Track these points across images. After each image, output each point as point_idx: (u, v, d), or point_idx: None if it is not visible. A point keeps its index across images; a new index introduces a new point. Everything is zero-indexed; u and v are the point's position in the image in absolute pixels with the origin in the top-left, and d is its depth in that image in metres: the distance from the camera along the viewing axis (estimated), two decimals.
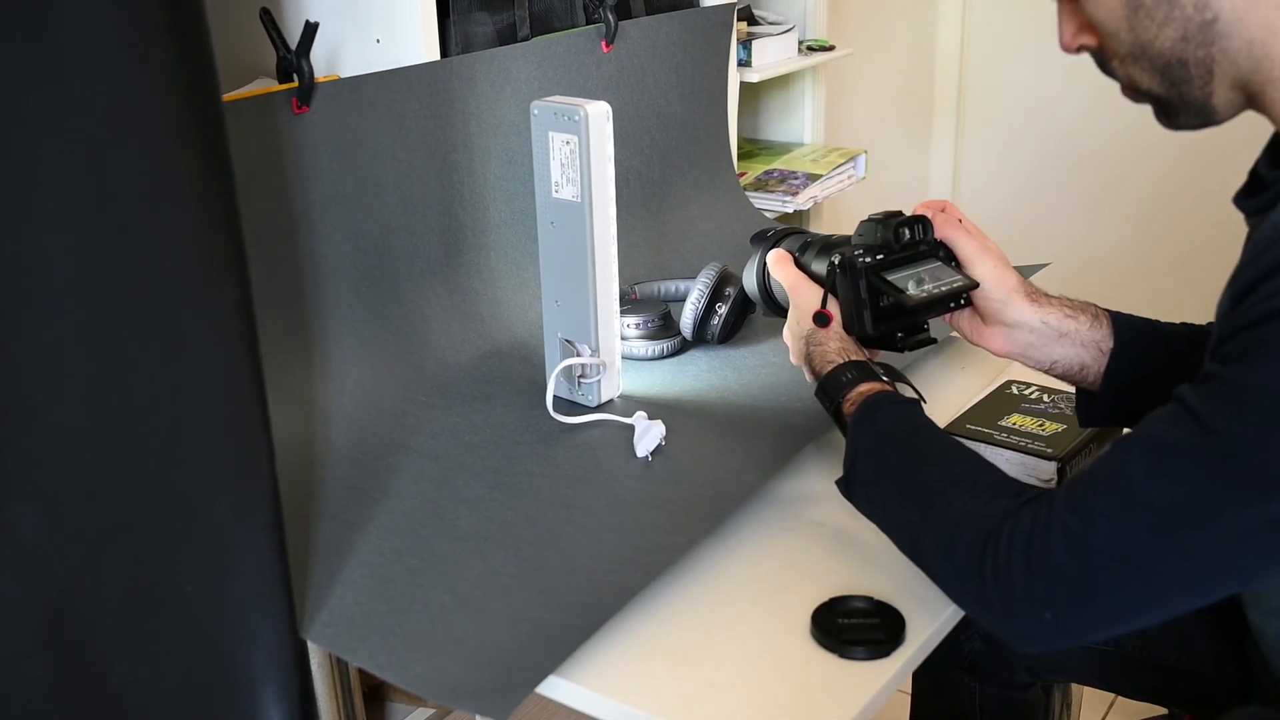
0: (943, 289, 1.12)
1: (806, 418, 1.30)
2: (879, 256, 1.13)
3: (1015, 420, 1.28)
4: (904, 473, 1.00)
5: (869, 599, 1.01)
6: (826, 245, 1.23)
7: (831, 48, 2.40)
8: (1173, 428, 0.82)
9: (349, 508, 1.18)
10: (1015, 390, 1.35)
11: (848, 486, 1.05)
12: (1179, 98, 0.89)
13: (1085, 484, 0.85)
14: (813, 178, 2.26)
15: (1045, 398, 1.32)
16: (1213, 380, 0.81)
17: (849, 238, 1.20)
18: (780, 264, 1.24)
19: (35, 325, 0.79)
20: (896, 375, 1.13)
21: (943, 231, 1.16)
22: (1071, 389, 1.23)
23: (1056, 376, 1.17)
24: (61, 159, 0.78)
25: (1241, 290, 0.80)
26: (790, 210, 2.16)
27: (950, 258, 1.16)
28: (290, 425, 1.25)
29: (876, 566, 1.07)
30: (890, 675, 0.95)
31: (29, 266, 0.78)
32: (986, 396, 1.35)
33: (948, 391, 1.40)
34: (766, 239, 1.35)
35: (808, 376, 1.17)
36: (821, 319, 1.15)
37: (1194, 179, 2.85)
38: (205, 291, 0.89)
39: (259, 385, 0.94)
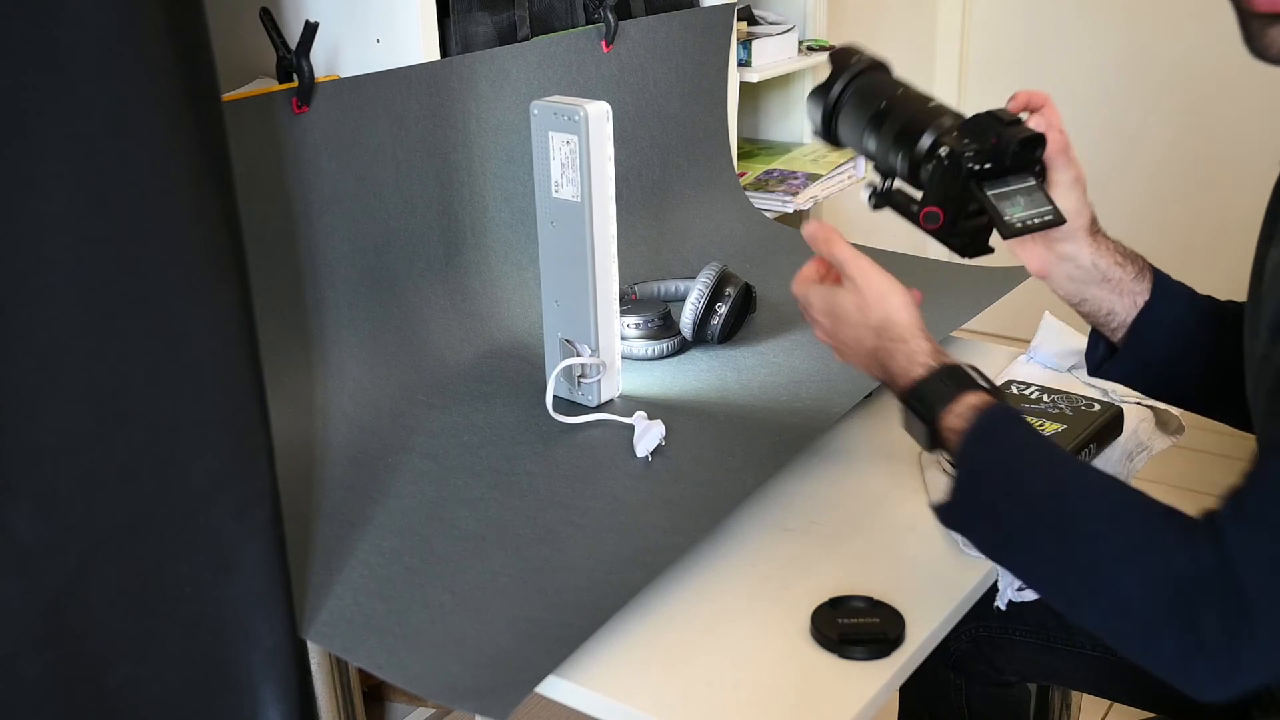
0: (1035, 220, 1.04)
1: (806, 418, 1.30)
2: (988, 164, 1.05)
3: None
4: (1046, 504, 0.86)
5: (868, 599, 1.01)
6: (913, 124, 1.10)
7: (831, 47, 2.40)
8: None
9: (348, 507, 1.18)
10: (1015, 390, 1.35)
11: (956, 515, 0.93)
12: None
13: (1251, 493, 0.77)
14: (813, 178, 2.26)
15: (1045, 398, 1.32)
16: None
17: (948, 115, 1.10)
18: (834, 243, 1.07)
19: (35, 325, 0.79)
20: (988, 380, 0.99)
21: (1048, 151, 1.09)
22: (1070, 389, 1.24)
23: (1080, 313, 1.14)
24: (61, 159, 0.78)
25: None
26: (791, 210, 2.16)
27: (1043, 174, 1.09)
28: (290, 425, 1.25)
29: (876, 567, 1.07)
30: (890, 675, 0.95)
31: (29, 266, 0.78)
32: None
33: None
34: (851, 65, 1.19)
35: (871, 373, 1.05)
36: (932, 217, 1.05)
37: (1195, 177, 2.85)
38: (205, 291, 0.89)
39: (258, 385, 0.94)
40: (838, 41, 2.51)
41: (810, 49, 2.37)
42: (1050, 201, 1.07)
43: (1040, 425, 1.26)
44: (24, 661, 0.84)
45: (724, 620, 1.02)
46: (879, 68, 1.19)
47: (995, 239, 1.12)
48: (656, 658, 0.98)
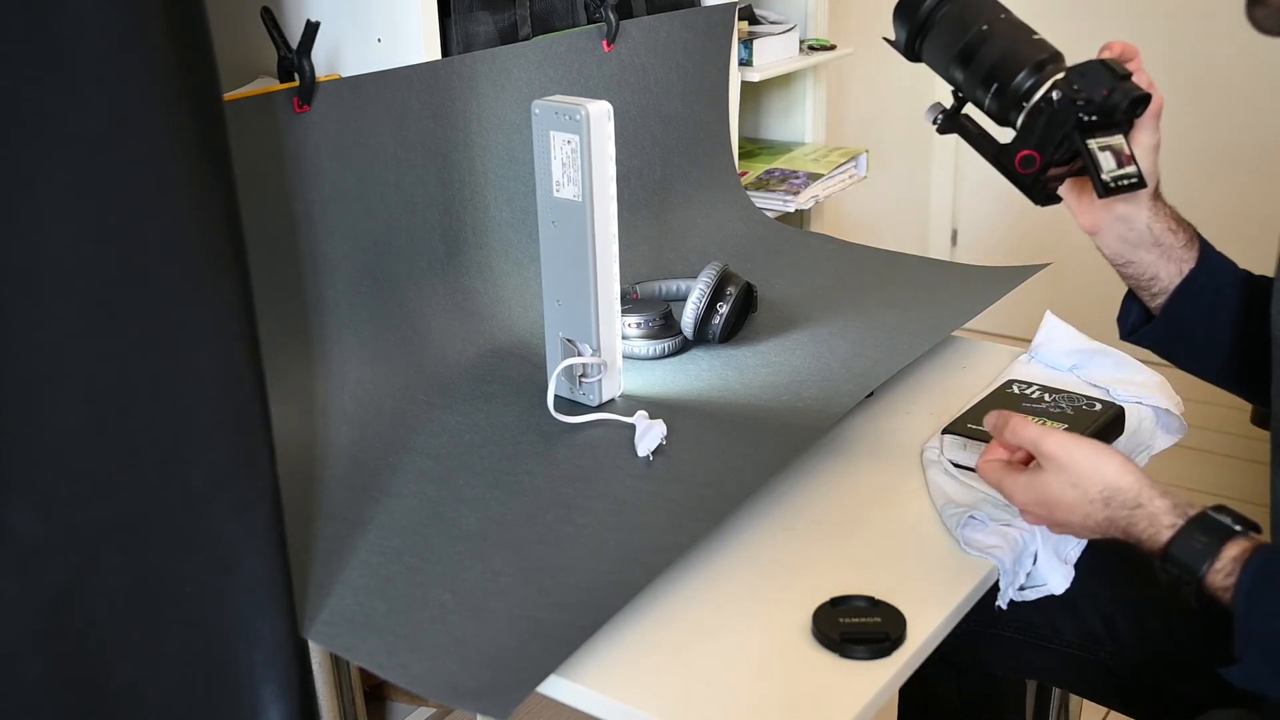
0: (1124, 182, 1.02)
1: (808, 417, 1.30)
2: (1094, 117, 1.02)
3: None
4: None
5: (870, 599, 1.01)
6: (1011, 58, 1.05)
7: (833, 47, 2.40)
8: None
9: (349, 507, 1.18)
10: (1016, 390, 1.35)
11: (1254, 676, 0.89)
12: None
13: None
14: (814, 177, 2.26)
15: (1046, 397, 1.32)
16: None
17: (1048, 55, 1.06)
18: (1019, 427, 1.02)
19: (35, 324, 0.79)
20: (1234, 515, 0.94)
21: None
22: (1072, 389, 1.23)
23: (1124, 274, 1.12)
24: (62, 158, 0.78)
25: None
26: (792, 210, 2.16)
27: (1128, 134, 1.06)
28: (291, 424, 1.25)
29: (877, 566, 1.07)
30: (891, 675, 0.95)
31: (29, 265, 0.78)
32: (987, 396, 1.35)
33: (948, 391, 1.40)
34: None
35: (1112, 537, 0.99)
36: (1029, 160, 1.03)
37: (1196, 176, 2.85)
38: (206, 290, 0.89)
39: (259, 384, 0.94)
40: (839, 41, 2.50)
41: (811, 48, 2.37)
42: (1135, 163, 1.04)
43: (1041, 425, 1.25)
44: (24, 661, 0.84)
45: (725, 620, 1.02)
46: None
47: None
48: (658, 657, 0.98)
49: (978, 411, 1.31)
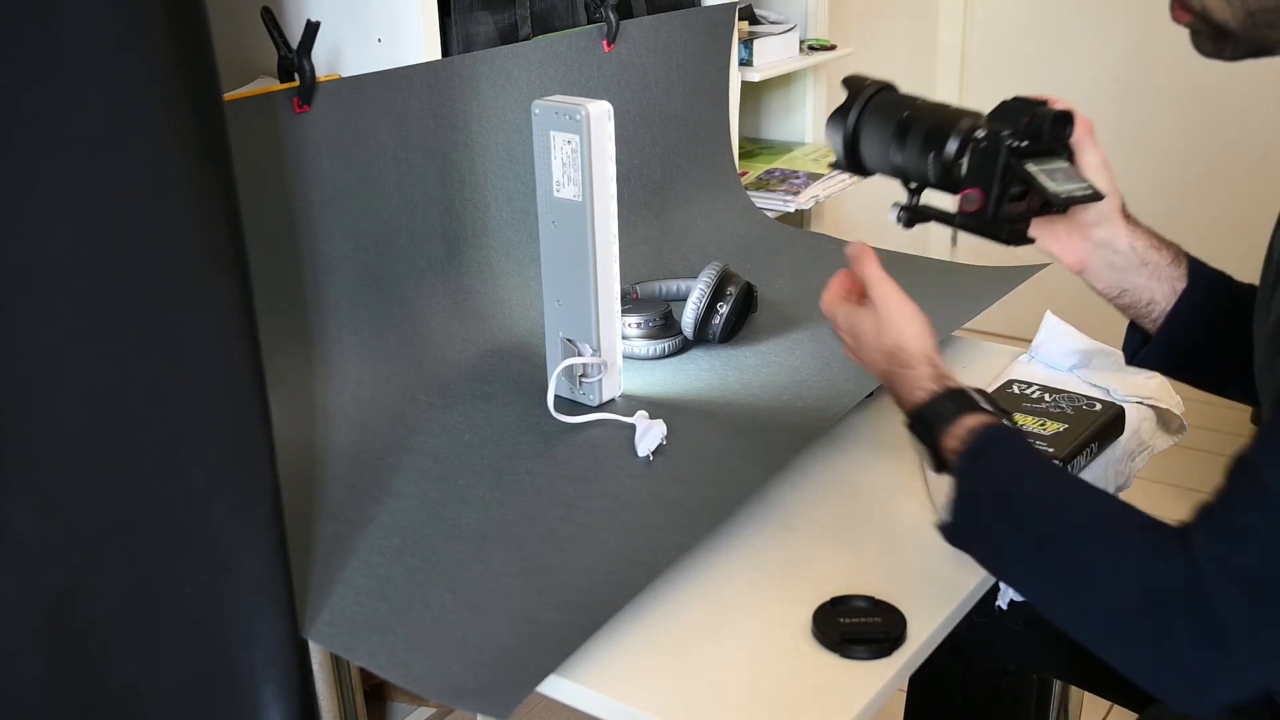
0: (1076, 193, 1.05)
1: (808, 417, 1.30)
2: (1025, 142, 1.05)
3: (1017, 420, 1.27)
4: (1034, 520, 0.89)
5: (870, 599, 1.01)
6: (939, 126, 1.12)
7: (833, 47, 2.40)
8: None
9: (350, 507, 1.18)
10: (1017, 390, 1.35)
11: (957, 533, 0.95)
12: (1254, 36, 0.87)
13: (1221, 508, 0.79)
14: (814, 177, 2.25)
15: (1046, 397, 1.32)
16: None
17: (970, 114, 1.11)
18: (865, 261, 1.10)
19: (35, 324, 0.79)
20: (991, 401, 1.01)
21: (1076, 133, 1.09)
22: (1072, 389, 1.23)
23: (1119, 306, 1.13)
24: (62, 158, 0.78)
25: None
26: (792, 210, 2.16)
27: (1072, 158, 1.09)
28: (291, 424, 1.25)
29: (877, 566, 1.07)
30: (891, 675, 0.95)
31: (29, 265, 0.78)
32: None
33: None
34: (866, 86, 1.20)
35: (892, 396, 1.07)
36: (969, 200, 1.06)
37: (1196, 176, 2.85)
38: (206, 290, 0.89)
39: (259, 384, 0.94)
40: (839, 41, 2.51)
41: (811, 48, 2.37)
42: (1086, 180, 1.07)
43: (1042, 425, 1.26)
44: (24, 661, 0.84)
45: (725, 620, 1.02)
46: (890, 88, 1.20)
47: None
48: (658, 657, 0.98)
49: None
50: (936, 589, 1.03)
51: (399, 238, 1.44)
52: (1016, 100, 1.08)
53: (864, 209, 3.16)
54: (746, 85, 2.13)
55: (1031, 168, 1.05)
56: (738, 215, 1.92)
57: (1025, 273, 1.65)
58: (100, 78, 0.78)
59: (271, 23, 1.27)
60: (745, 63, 2.15)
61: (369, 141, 1.38)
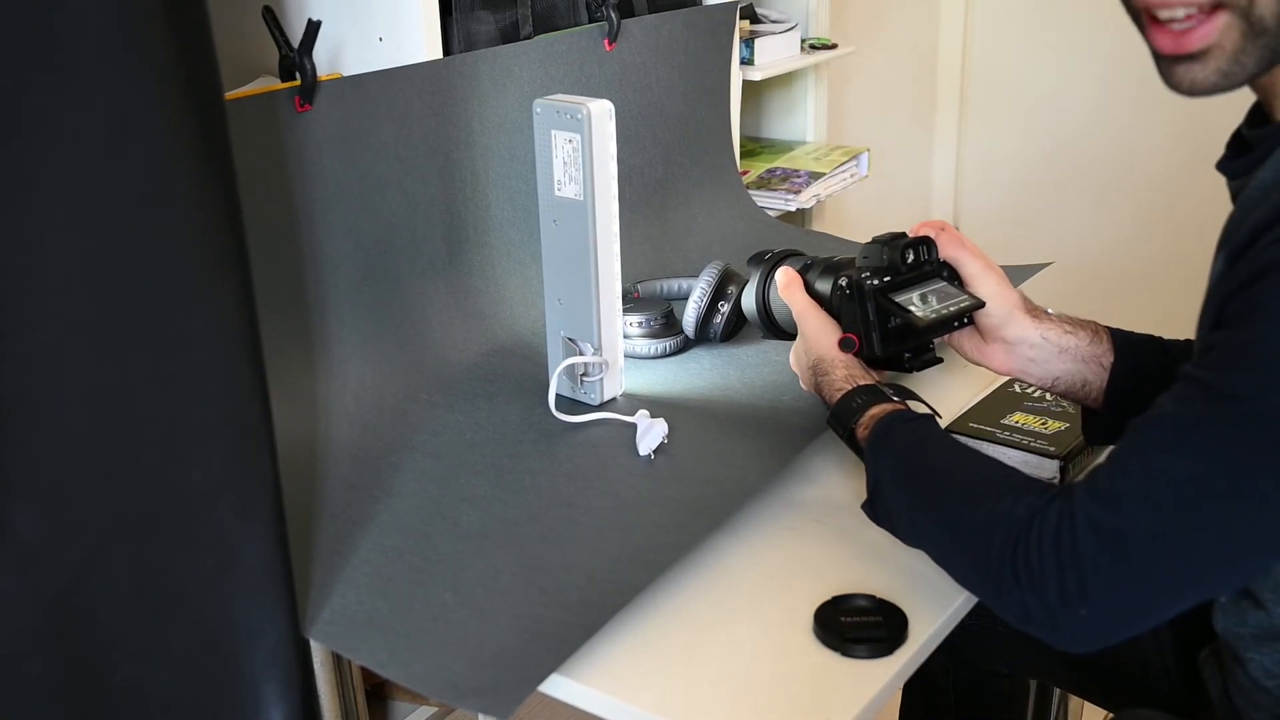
0: (950, 308, 1.12)
1: (809, 417, 1.30)
2: (886, 279, 1.13)
3: (1018, 419, 1.28)
4: (927, 488, 0.98)
5: (871, 597, 1.01)
6: (830, 267, 1.22)
7: (834, 46, 2.40)
8: (1182, 401, 0.82)
9: (351, 506, 1.18)
10: (1018, 388, 1.35)
11: (874, 511, 1.04)
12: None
13: (1104, 471, 0.84)
14: (815, 176, 2.25)
15: (1047, 396, 1.32)
16: (1216, 349, 0.81)
17: (853, 259, 1.20)
18: (791, 288, 1.22)
19: (36, 325, 0.79)
20: (906, 393, 1.11)
21: (946, 251, 1.16)
22: None
23: (1059, 394, 1.17)
24: (62, 159, 0.77)
25: (1237, 249, 0.80)
26: (793, 209, 2.16)
27: (954, 277, 1.16)
28: (292, 423, 1.25)
29: (879, 565, 1.07)
30: (893, 674, 0.95)
31: (29, 266, 0.78)
32: (989, 395, 1.35)
33: (950, 390, 1.40)
34: (765, 261, 1.34)
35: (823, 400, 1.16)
36: (847, 344, 1.14)
37: (1197, 177, 2.85)
38: (207, 290, 0.89)
39: (260, 383, 0.94)
40: (840, 40, 2.51)
41: (813, 47, 2.37)
42: (964, 291, 1.14)
43: (1042, 424, 1.26)
44: (26, 661, 0.84)
45: (727, 618, 1.02)
46: (793, 254, 1.33)
47: (948, 353, 1.21)
48: (659, 656, 0.98)
49: (980, 410, 1.31)
50: (938, 588, 1.03)
51: (400, 237, 1.44)
52: (874, 241, 1.16)
53: (865, 208, 3.16)
54: (748, 84, 2.13)
55: (900, 298, 1.12)
56: (739, 214, 1.92)
57: (1025, 273, 1.65)
58: (100, 78, 0.78)
59: (273, 22, 1.27)
60: (746, 61, 2.15)
61: (370, 141, 1.38)
